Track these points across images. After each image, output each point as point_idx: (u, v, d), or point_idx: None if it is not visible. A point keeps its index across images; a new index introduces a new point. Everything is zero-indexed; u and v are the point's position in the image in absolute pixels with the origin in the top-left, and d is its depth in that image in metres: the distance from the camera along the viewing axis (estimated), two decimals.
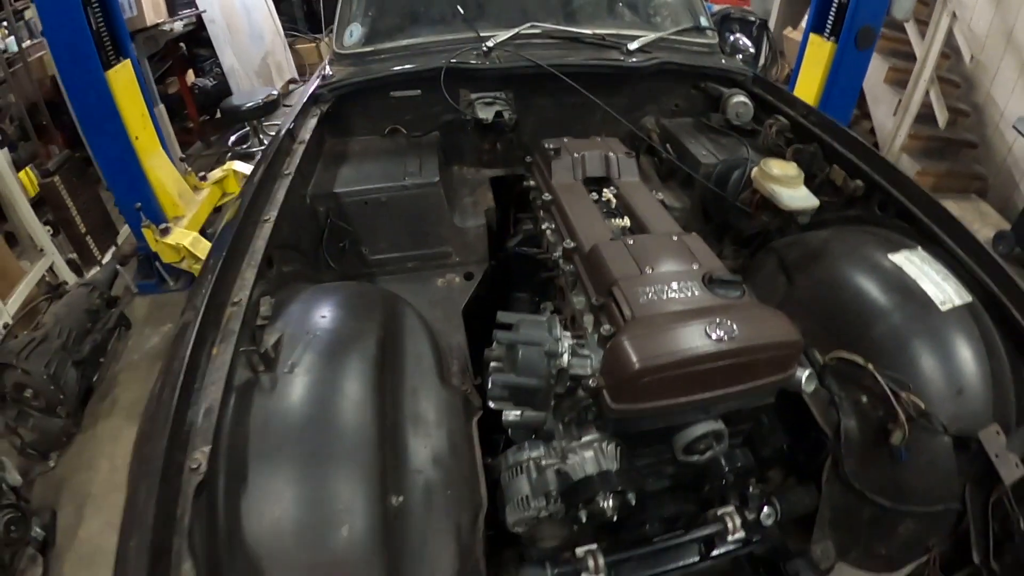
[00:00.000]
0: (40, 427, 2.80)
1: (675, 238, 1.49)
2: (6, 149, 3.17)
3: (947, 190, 5.13)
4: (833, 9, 3.26)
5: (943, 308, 1.43)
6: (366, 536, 0.96)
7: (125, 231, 3.81)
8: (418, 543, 1.03)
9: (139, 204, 3.14)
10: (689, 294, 1.28)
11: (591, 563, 1.30)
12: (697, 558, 1.48)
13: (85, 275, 3.47)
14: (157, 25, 3.59)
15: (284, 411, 1.07)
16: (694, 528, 1.46)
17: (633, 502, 1.27)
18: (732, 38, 2.65)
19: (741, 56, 2.61)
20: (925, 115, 4.97)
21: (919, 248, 1.62)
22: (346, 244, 1.89)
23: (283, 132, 1.86)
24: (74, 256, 3.51)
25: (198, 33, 4.19)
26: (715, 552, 1.47)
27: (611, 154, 1.84)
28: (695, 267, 1.37)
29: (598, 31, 2.29)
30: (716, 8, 4.67)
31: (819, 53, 3.38)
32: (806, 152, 2.03)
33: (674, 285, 1.30)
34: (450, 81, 2.09)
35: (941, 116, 4.83)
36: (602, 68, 2.17)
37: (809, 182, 1.92)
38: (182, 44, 4.46)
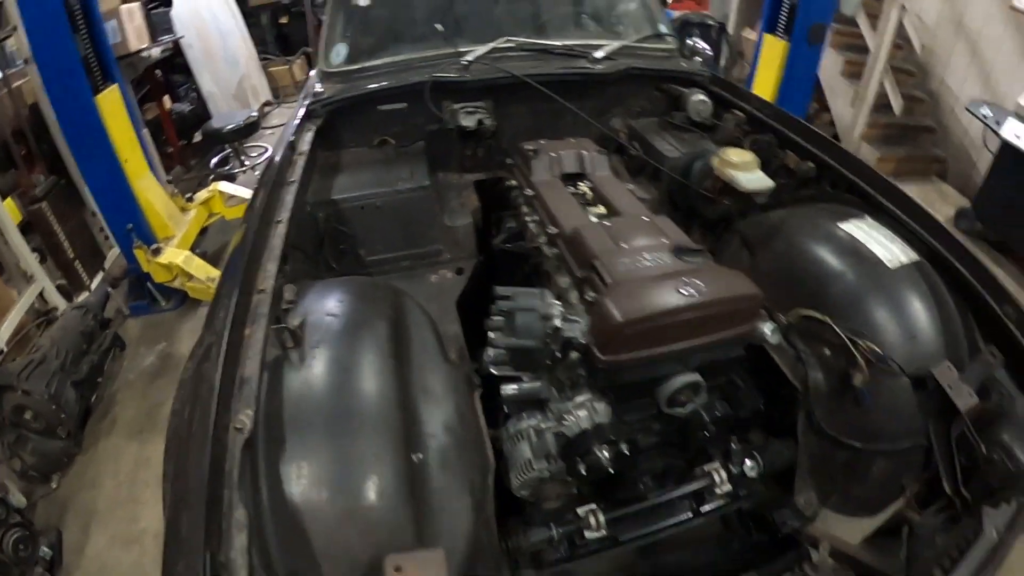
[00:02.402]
0: (40, 450, 2.88)
1: (646, 219, 1.68)
2: None
3: (908, 174, 5.44)
4: (784, 10, 3.53)
5: (891, 266, 1.62)
6: (393, 486, 1.08)
7: (112, 255, 3.92)
8: (437, 496, 1.15)
9: (131, 225, 3.29)
10: (660, 261, 1.47)
11: (592, 521, 1.45)
12: (690, 514, 1.62)
13: (75, 300, 3.59)
14: (138, 52, 3.79)
15: (313, 381, 1.19)
16: (684, 483, 1.60)
17: (627, 451, 1.41)
18: (690, 42, 2.91)
19: (700, 58, 2.87)
20: (882, 104, 5.30)
21: (867, 217, 1.81)
22: (346, 247, 2.04)
23: (284, 146, 2.02)
24: (63, 282, 3.64)
25: (174, 59, 4.37)
26: (706, 508, 1.61)
27: (584, 152, 2.05)
28: (664, 241, 1.56)
29: (566, 42, 2.52)
30: (676, 14, 5.00)
31: (773, 52, 3.65)
32: (762, 141, 2.26)
33: (647, 256, 1.49)
34: (433, 94, 2.30)
35: (896, 103, 5.17)
36: (572, 76, 2.39)
37: (766, 168, 2.11)
38: (158, 71, 4.64)
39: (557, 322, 1.38)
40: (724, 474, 1.59)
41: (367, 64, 2.47)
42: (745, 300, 1.42)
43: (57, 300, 3.52)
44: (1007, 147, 4.42)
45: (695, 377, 1.43)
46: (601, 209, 1.84)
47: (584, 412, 1.42)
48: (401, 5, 2.73)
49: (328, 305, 1.40)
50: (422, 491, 1.12)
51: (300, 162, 1.97)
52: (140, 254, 3.35)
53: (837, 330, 1.52)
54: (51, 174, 3.73)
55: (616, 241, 1.55)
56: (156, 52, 4.12)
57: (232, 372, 1.14)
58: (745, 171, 2.03)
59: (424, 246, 2.11)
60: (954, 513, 1.42)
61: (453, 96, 2.35)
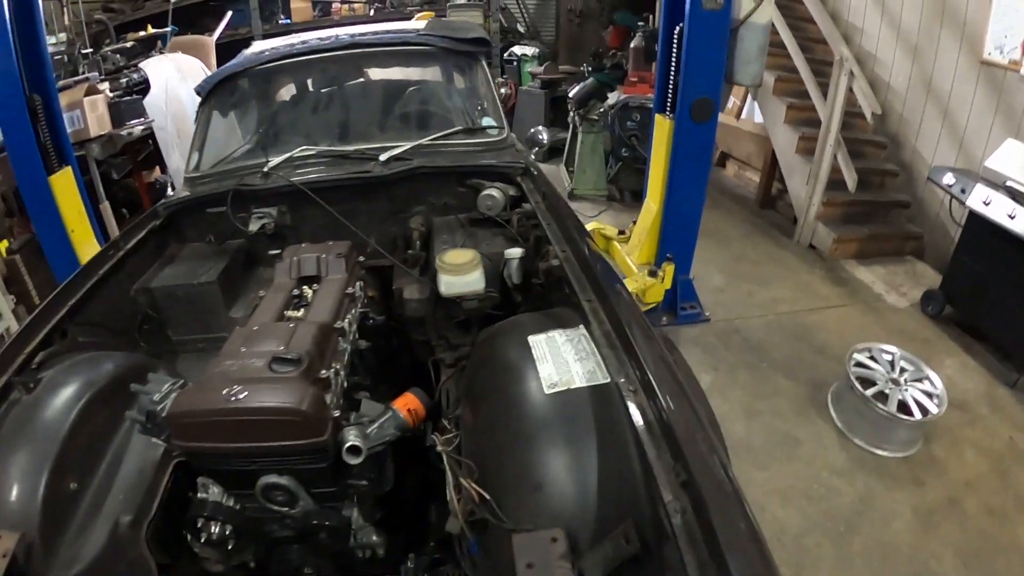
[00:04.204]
0: None
1: (292, 325, 1.80)
2: None
3: (876, 254, 5.35)
4: (670, 89, 3.75)
5: (548, 391, 1.40)
6: (40, 495, 1.47)
7: None
8: (82, 519, 1.53)
9: None
10: (250, 366, 1.61)
11: None
12: None
13: None
14: (99, 136, 4.58)
15: (26, 416, 1.65)
16: None
17: (228, 532, 1.63)
18: (532, 131, 3.15)
19: (537, 148, 3.10)
20: (842, 181, 5.21)
21: (580, 327, 1.64)
22: (151, 327, 2.43)
23: (109, 243, 2.49)
24: None
25: None
26: None
27: (324, 256, 2.20)
28: (280, 348, 1.66)
29: (358, 147, 2.78)
30: (623, 97, 5.32)
31: (662, 131, 3.82)
32: (534, 236, 2.32)
33: (248, 362, 1.62)
34: (243, 200, 2.65)
35: (850, 179, 5.14)
36: (351, 180, 2.61)
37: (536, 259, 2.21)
38: (151, 142, 5.51)
39: (166, 406, 1.64)
40: None
41: (208, 172, 2.96)
42: (282, 413, 1.51)
43: None
44: (974, 217, 4.14)
45: (280, 480, 1.58)
46: (300, 313, 2.00)
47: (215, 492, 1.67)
48: (238, 122, 3.34)
49: (69, 369, 1.84)
50: (66, 509, 1.52)
51: (118, 255, 2.45)
52: None
53: (446, 465, 1.49)
54: (32, 232, 4.58)
55: (244, 344, 1.75)
56: (137, 130, 4.99)
57: None
58: (455, 274, 2.06)
59: (214, 332, 2.44)
60: None
61: (258, 201, 2.69)
